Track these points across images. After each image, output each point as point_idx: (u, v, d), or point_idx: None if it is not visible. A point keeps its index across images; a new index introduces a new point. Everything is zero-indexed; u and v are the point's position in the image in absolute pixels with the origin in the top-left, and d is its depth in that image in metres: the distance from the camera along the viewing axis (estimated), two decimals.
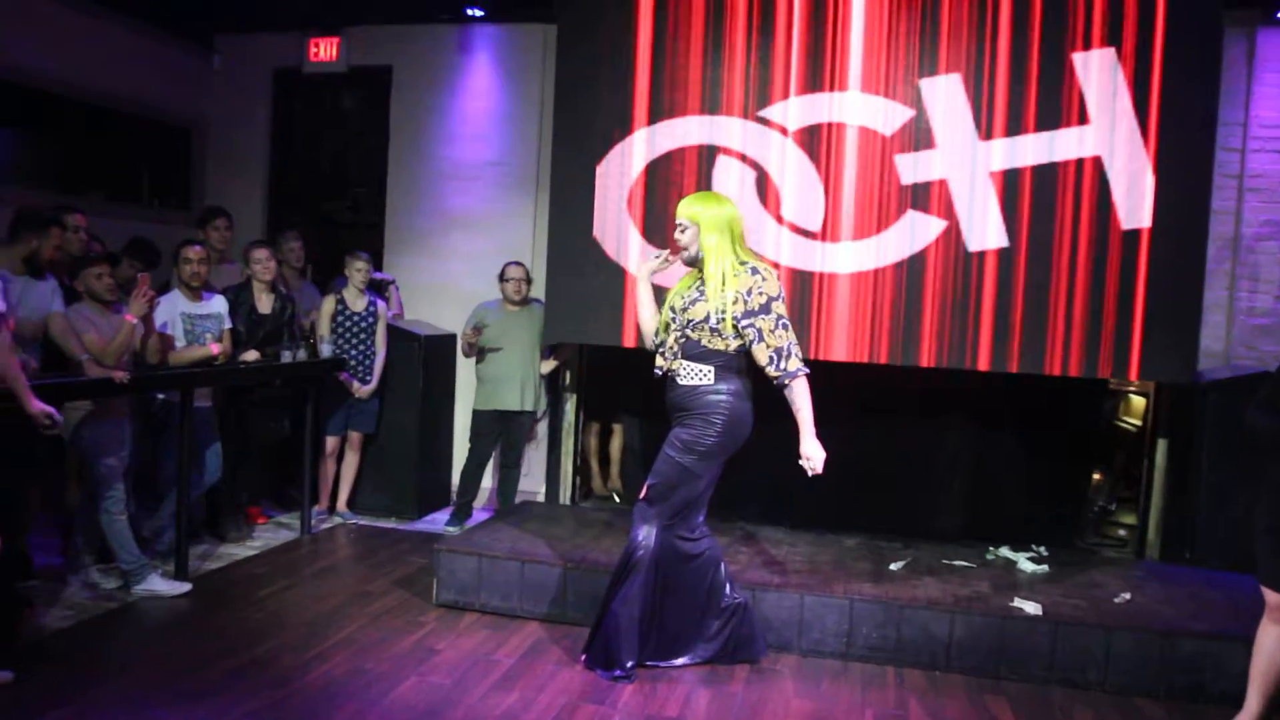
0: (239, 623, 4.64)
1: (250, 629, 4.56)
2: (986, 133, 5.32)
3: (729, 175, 5.62)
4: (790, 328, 4.08)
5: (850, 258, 5.50)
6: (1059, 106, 5.24)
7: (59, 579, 5.02)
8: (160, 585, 4.94)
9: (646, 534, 4.17)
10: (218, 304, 5.63)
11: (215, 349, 5.44)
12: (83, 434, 4.81)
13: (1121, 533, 6.34)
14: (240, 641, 4.39)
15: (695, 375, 4.12)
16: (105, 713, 3.63)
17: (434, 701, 3.85)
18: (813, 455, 4.01)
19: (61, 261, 5.06)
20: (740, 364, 4.13)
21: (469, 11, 7.14)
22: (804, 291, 5.54)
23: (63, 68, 6.63)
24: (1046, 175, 5.28)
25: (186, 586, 5.01)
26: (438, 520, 6.71)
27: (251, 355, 5.74)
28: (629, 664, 4.14)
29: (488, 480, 6.76)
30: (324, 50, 7.50)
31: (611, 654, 4.15)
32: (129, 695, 3.78)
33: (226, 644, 4.35)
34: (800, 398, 4.05)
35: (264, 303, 6.00)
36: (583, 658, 4.29)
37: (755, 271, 4.08)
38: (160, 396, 5.40)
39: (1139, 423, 6.56)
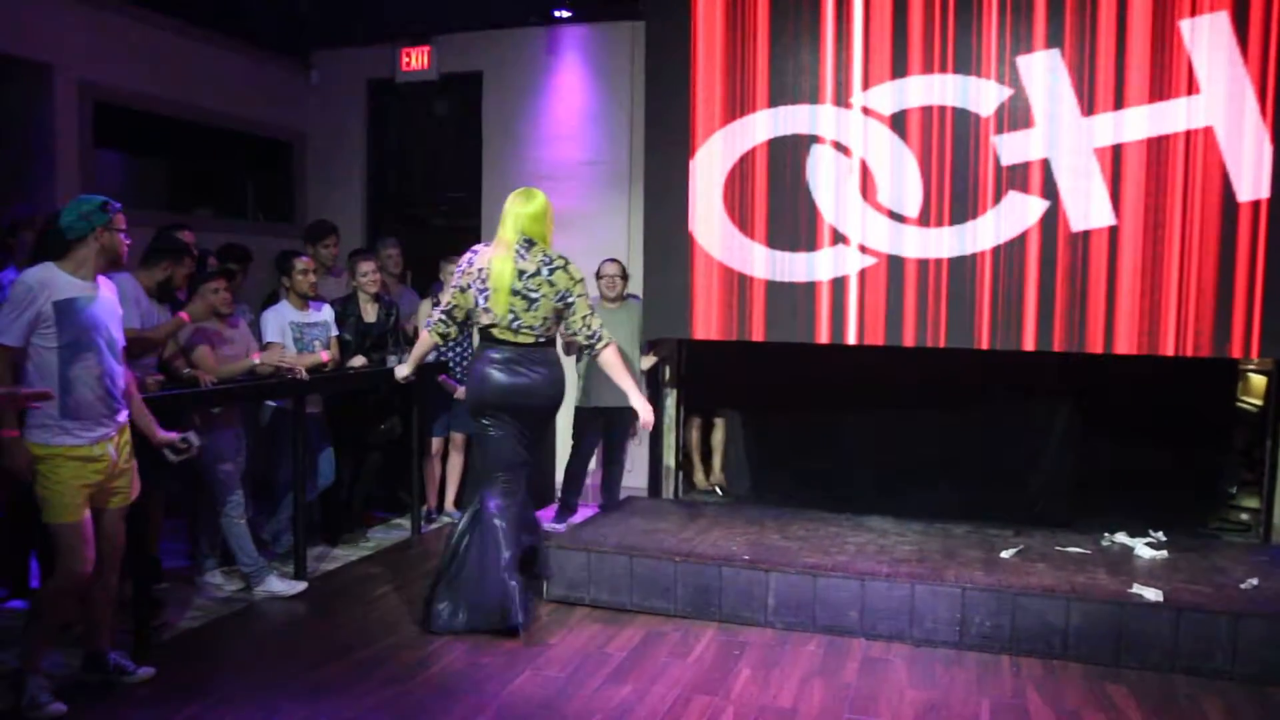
0: (356, 621, 4.77)
1: (368, 627, 4.68)
2: (1089, 108, 5.18)
3: (823, 163, 5.58)
4: (451, 290, 4.69)
5: (950, 242, 5.41)
6: (1166, 77, 5.07)
7: (187, 582, 5.22)
8: (277, 585, 5.10)
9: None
10: (325, 313, 5.78)
11: (325, 356, 5.59)
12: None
13: (1244, 517, 6.11)
14: (359, 639, 4.51)
15: None
16: (236, 706, 3.77)
17: (549, 694, 3.91)
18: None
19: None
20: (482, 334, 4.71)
21: (556, 13, 7.22)
22: (902, 278, 5.47)
23: (169, 90, 6.89)
24: (1154, 149, 5.11)
25: (302, 585, 5.16)
26: (543, 518, 6.76)
27: (359, 361, 5.89)
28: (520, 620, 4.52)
29: (591, 477, 6.81)
30: (415, 59, 7.65)
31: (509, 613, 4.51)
32: (257, 690, 3.93)
33: (346, 641, 4.48)
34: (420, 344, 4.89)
35: (369, 312, 6.15)
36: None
37: (470, 250, 4.73)
38: (273, 404, 5.57)
39: (1260, 403, 6.32)
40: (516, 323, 4.56)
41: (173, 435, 4.12)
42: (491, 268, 4.54)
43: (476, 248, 4.71)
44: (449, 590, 4.62)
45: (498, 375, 4.56)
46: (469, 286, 4.60)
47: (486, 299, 4.55)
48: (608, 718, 3.72)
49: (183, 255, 4.94)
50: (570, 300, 4.61)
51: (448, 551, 4.69)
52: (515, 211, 4.60)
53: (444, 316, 4.71)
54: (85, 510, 3.70)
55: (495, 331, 4.58)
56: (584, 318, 4.65)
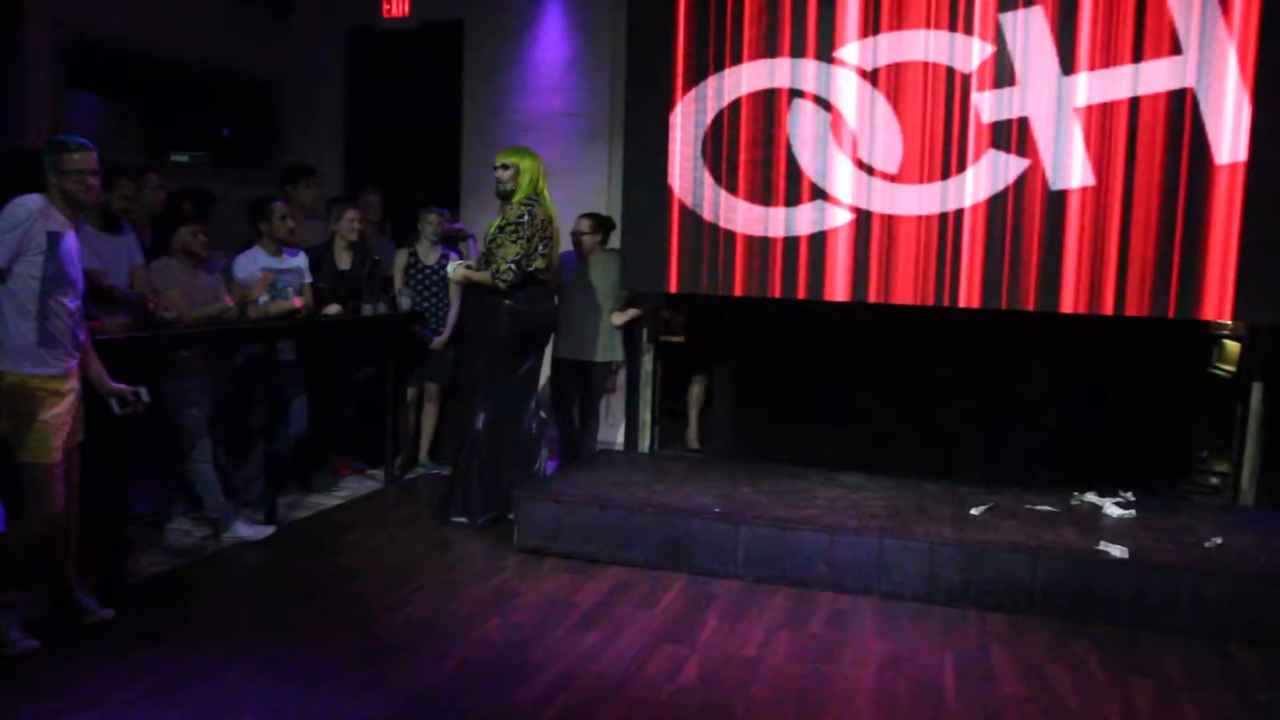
0: (326, 568, 4.76)
1: (337, 574, 4.68)
2: (1070, 67, 5.15)
3: (803, 118, 5.54)
4: (520, 243, 5.17)
5: (930, 199, 5.39)
6: (1148, 37, 5.04)
7: (154, 528, 5.18)
8: (245, 530, 5.08)
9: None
10: (299, 259, 5.71)
11: (298, 302, 5.53)
12: (164, 388, 4.94)
13: (1214, 480, 6.16)
14: (328, 585, 4.51)
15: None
16: (199, 648, 3.77)
17: (516, 641, 3.92)
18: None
19: (139, 219, 5.19)
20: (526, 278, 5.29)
21: None
22: (880, 234, 5.45)
23: (145, 31, 6.76)
24: (1135, 110, 5.08)
25: (270, 529, 5.15)
26: None
27: (333, 309, 5.84)
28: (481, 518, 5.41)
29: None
30: (396, 6, 7.54)
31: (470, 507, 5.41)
32: (222, 633, 3.93)
33: (314, 587, 4.48)
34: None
35: (344, 259, 6.09)
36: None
37: (523, 204, 5.22)
38: (245, 350, 5.52)
39: (1233, 369, 6.36)
40: (548, 262, 5.37)
41: (122, 386, 3.99)
42: (550, 218, 5.30)
43: (529, 202, 5.25)
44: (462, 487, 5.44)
45: (532, 308, 5.34)
46: (534, 235, 5.21)
47: (546, 246, 5.28)
48: (573, 663, 3.73)
49: (115, 179, 4.87)
50: None
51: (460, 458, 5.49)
52: (539, 167, 5.33)
53: (515, 268, 5.21)
54: (61, 451, 3.72)
55: (540, 274, 5.31)
56: None
